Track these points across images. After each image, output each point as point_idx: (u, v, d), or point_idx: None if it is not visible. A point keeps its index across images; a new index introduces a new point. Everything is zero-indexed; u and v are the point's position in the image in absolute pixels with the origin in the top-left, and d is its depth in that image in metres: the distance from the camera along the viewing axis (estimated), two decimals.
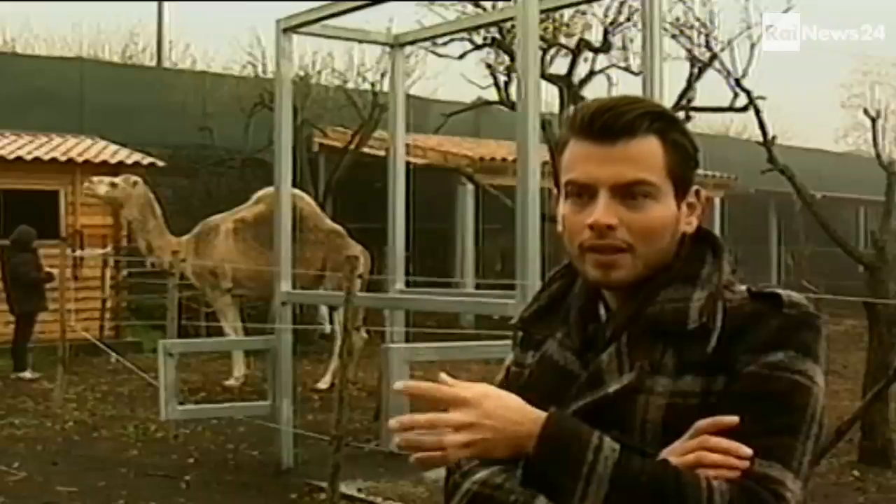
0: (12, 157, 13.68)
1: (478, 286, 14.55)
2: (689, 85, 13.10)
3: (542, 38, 10.98)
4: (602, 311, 1.53)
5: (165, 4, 23.97)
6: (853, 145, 27.58)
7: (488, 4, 12.22)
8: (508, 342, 1.71)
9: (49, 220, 13.60)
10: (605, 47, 13.11)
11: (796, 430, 1.37)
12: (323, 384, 11.06)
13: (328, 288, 10.97)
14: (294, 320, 8.08)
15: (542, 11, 6.68)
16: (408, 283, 8.39)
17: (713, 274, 1.49)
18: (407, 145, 8.85)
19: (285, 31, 7.44)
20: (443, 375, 1.42)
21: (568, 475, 1.34)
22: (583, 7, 12.01)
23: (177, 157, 16.25)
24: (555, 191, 1.54)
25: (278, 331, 7.54)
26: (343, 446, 6.27)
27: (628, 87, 13.23)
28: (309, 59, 16.71)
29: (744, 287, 1.49)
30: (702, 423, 1.37)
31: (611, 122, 1.45)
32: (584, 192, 1.47)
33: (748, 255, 19.86)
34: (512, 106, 11.76)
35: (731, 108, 12.71)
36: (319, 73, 17.05)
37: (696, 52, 12.71)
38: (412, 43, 8.99)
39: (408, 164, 8.33)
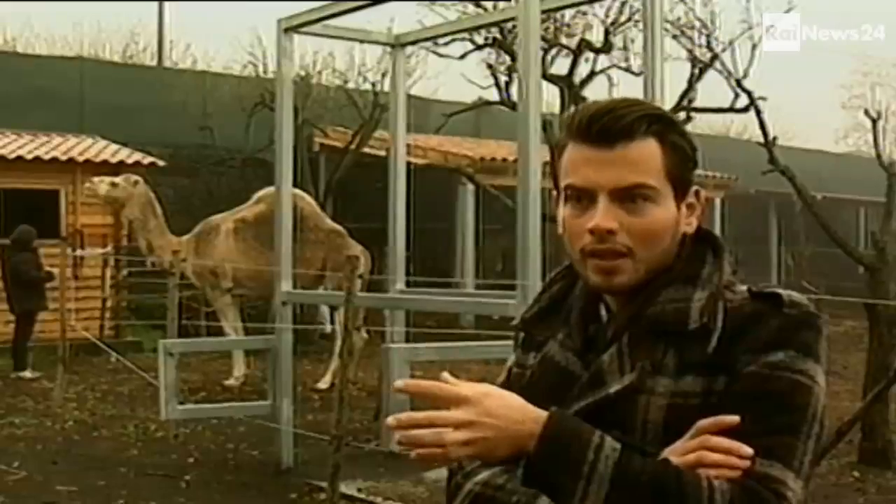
0: (13, 156, 13.68)
1: (477, 286, 14.56)
2: (690, 85, 13.13)
3: (544, 39, 10.99)
4: (603, 311, 1.54)
5: (166, 4, 23.97)
6: (854, 146, 27.60)
7: (489, 5, 12.25)
8: (509, 342, 1.71)
9: (49, 219, 13.60)
10: (606, 48, 13.12)
11: (797, 430, 1.37)
12: (323, 384, 11.06)
13: (328, 288, 10.97)
14: (294, 320, 8.08)
15: (543, 12, 6.67)
16: (408, 284, 8.39)
17: (714, 274, 1.49)
18: (408, 145, 8.85)
19: (286, 30, 7.44)
20: (445, 374, 1.42)
21: (569, 474, 1.34)
22: (584, 7, 12.03)
23: (177, 157, 16.25)
24: (555, 192, 1.54)
25: (278, 330, 7.54)
26: (343, 446, 6.27)
27: (629, 87, 13.26)
28: (310, 59, 16.75)
29: (744, 287, 1.49)
30: (703, 422, 1.37)
31: (609, 126, 1.45)
32: (583, 196, 1.47)
33: (749, 256, 19.86)
34: (513, 106, 11.78)
35: (731, 109, 12.72)
36: (320, 72, 17.07)
37: (697, 52, 12.74)
38: (413, 43, 8.99)
39: (408, 164, 8.33)
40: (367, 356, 10.57)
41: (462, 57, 13.50)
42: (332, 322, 11.89)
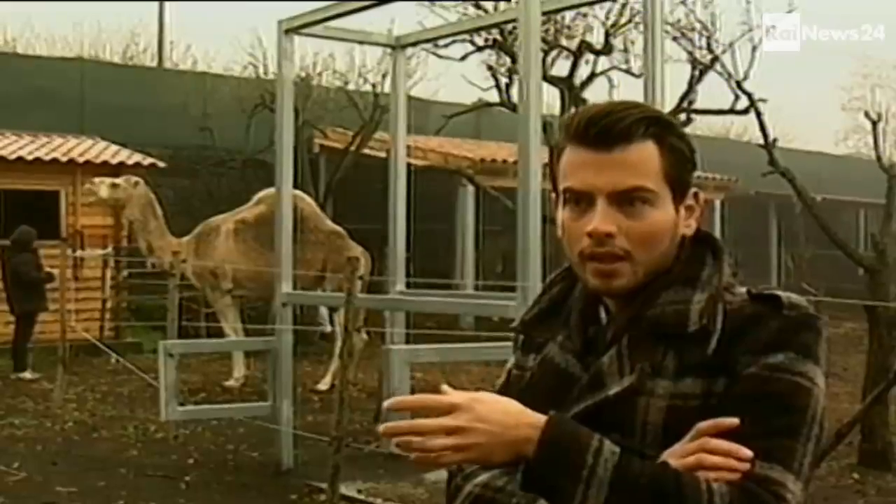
0: (13, 157, 13.68)
1: (477, 288, 14.55)
2: (691, 87, 13.13)
3: (544, 40, 11.00)
4: (602, 313, 1.54)
5: (166, 5, 23.98)
6: (853, 148, 27.56)
7: (490, 6, 12.26)
8: (508, 344, 1.71)
9: (49, 220, 13.61)
10: (607, 49, 13.13)
11: (797, 432, 1.37)
12: (323, 385, 11.06)
13: (328, 289, 10.97)
14: (294, 321, 8.08)
15: (543, 13, 6.67)
16: (408, 285, 8.39)
17: (713, 276, 1.49)
18: (408, 147, 8.85)
19: (287, 32, 7.44)
20: (444, 387, 1.42)
21: (568, 478, 1.34)
22: (584, 9, 12.03)
23: (177, 158, 16.25)
24: (554, 195, 1.54)
25: (279, 332, 7.54)
26: (343, 447, 6.27)
27: (629, 89, 13.27)
28: (310, 61, 16.74)
29: (744, 289, 1.49)
30: (702, 425, 1.37)
31: (607, 129, 1.45)
32: (581, 200, 1.47)
33: (748, 258, 19.88)
34: (513, 108, 11.80)
35: (732, 111, 12.73)
36: (321, 74, 17.06)
37: (698, 54, 12.74)
38: (413, 44, 8.99)
39: (408, 165, 8.34)
40: (367, 357, 10.57)
41: (462, 58, 13.52)
42: (333, 323, 11.89)
